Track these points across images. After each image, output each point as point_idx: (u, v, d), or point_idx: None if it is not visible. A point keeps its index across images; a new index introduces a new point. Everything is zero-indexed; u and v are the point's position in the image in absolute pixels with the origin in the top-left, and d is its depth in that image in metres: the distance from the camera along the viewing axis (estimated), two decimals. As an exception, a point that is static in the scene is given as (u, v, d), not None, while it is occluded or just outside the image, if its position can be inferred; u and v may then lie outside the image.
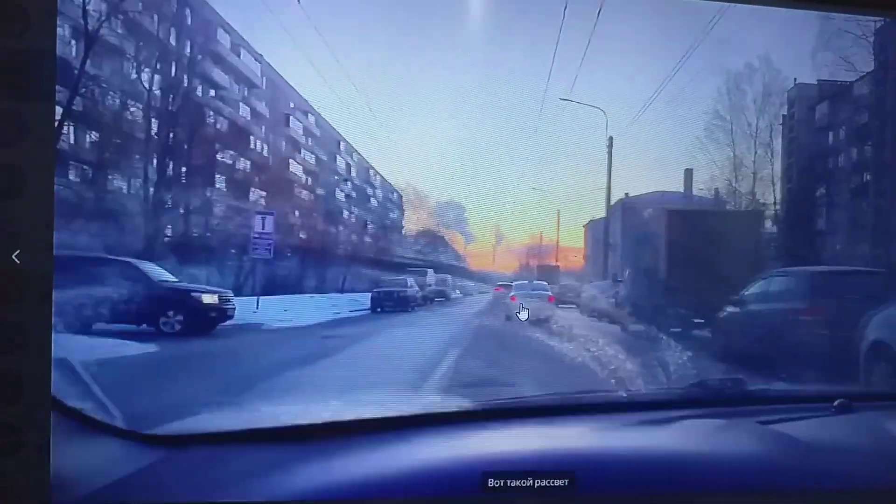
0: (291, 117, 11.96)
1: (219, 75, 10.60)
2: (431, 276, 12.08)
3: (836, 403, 2.21)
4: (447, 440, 2.02)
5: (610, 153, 10.67)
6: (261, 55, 11.01)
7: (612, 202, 11.59)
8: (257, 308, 9.19)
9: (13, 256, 1.38)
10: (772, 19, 8.13)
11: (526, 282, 11.07)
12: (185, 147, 10.00)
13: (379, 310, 10.64)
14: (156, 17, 9.46)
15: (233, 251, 9.64)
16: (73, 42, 8.18)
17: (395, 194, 13.76)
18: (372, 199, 13.71)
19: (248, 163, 11.22)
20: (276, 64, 11.18)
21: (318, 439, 1.99)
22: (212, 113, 10.51)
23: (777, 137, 11.36)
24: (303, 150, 12.36)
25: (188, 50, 9.96)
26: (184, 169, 10.09)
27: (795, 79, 11.45)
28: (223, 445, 2.00)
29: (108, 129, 8.96)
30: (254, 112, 11.37)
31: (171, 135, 9.69)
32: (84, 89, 8.46)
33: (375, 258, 12.23)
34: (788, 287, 7.11)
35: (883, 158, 11.06)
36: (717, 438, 2.13)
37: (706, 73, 10.08)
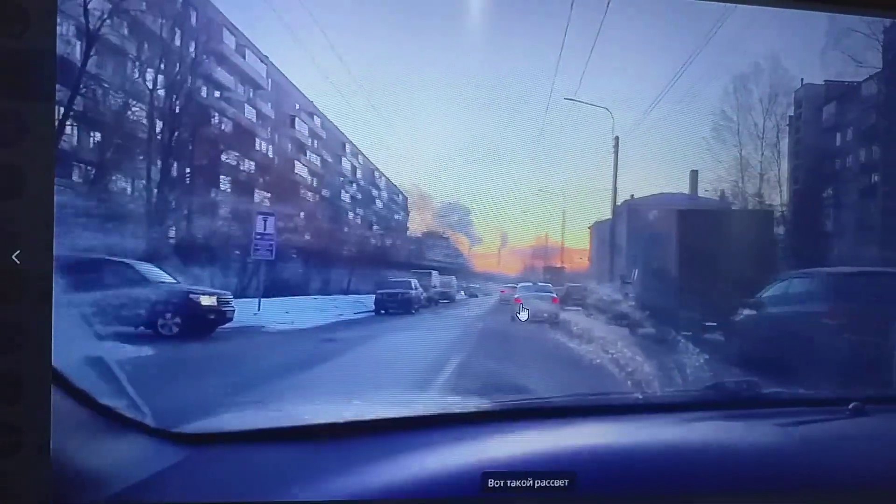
0: (297, 119, 11.99)
1: (224, 76, 10.64)
2: (436, 277, 12.07)
3: (850, 406, 2.20)
4: (448, 441, 2.02)
5: (616, 153, 10.64)
6: (266, 56, 11.06)
7: (618, 203, 11.57)
8: (259, 310, 9.13)
9: (13, 256, 1.38)
10: (779, 19, 8.10)
11: (530, 283, 11.08)
12: (189, 148, 10.03)
13: (382, 312, 10.56)
14: (161, 18, 9.49)
15: (237, 252, 9.61)
16: (77, 42, 8.19)
17: (399, 196, 13.78)
18: (377, 201, 13.73)
19: (252, 164, 11.25)
20: (281, 65, 11.23)
21: (319, 440, 2.00)
22: (216, 114, 10.54)
23: (784, 138, 11.32)
24: (308, 152, 12.38)
25: (193, 51, 10.00)
26: (187, 170, 10.12)
27: (802, 79, 11.41)
28: (244, 444, 2.05)
29: (111, 130, 8.97)
30: (259, 113, 11.40)
31: (175, 136, 9.70)
32: (85, 89, 8.46)
33: (380, 260, 12.23)
34: (810, 289, 6.82)
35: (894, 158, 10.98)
36: (727, 439, 2.12)
37: (713, 73, 10.04)
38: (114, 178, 9.18)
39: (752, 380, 2.59)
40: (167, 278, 7.58)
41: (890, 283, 6.52)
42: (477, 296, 13.24)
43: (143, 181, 9.37)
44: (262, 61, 11.07)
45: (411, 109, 11.05)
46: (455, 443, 2.00)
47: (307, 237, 11.52)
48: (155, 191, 9.34)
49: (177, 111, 9.62)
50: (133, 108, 9.17)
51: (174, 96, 9.53)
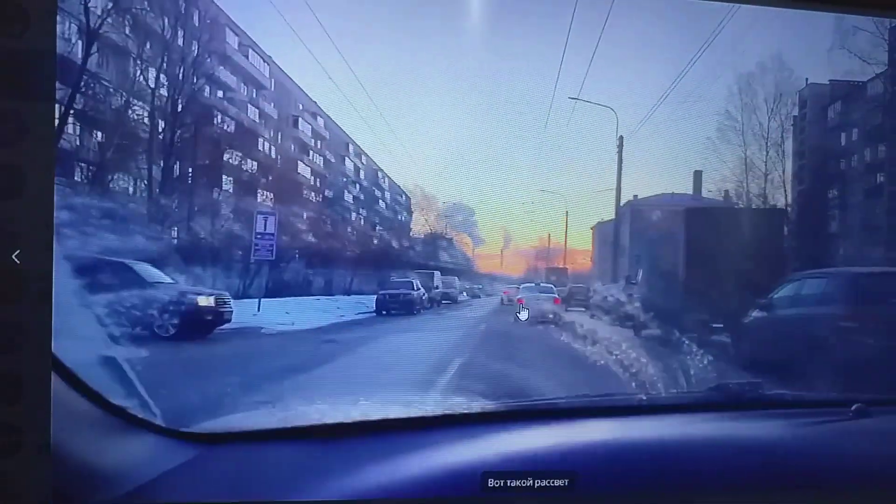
0: (300, 119, 12.00)
1: (227, 77, 10.66)
2: (438, 278, 12.05)
3: (853, 408, 2.19)
4: (448, 441, 2.02)
5: (620, 153, 10.62)
6: (270, 56, 11.08)
7: (622, 204, 11.55)
8: (258, 311, 9.03)
9: (13, 256, 1.38)
10: (782, 19, 8.07)
11: (533, 284, 11.09)
12: (190, 148, 10.03)
13: (384, 313, 10.49)
14: (165, 18, 9.51)
15: (239, 252, 9.57)
16: (78, 42, 8.20)
17: (403, 196, 13.79)
18: (380, 202, 13.74)
19: (255, 164, 11.26)
20: (284, 66, 11.25)
21: (324, 440, 2.01)
22: (219, 114, 10.56)
23: (788, 138, 11.27)
24: (311, 152, 12.40)
25: (197, 51, 10.02)
26: (189, 170, 10.12)
27: (807, 79, 11.38)
28: (251, 444, 2.07)
29: (111, 129, 8.95)
30: (262, 113, 11.42)
31: (176, 135, 9.70)
32: (85, 88, 8.44)
33: (382, 260, 12.22)
34: (826, 290, 6.45)
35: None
36: (728, 440, 2.12)
37: (717, 73, 10.02)
38: (113, 177, 9.14)
39: (754, 381, 2.58)
40: (164, 278, 7.46)
41: None
42: (479, 296, 13.24)
43: (144, 181, 9.35)
44: (265, 61, 11.08)
45: (415, 110, 11.08)
46: (456, 443, 2.00)
47: (309, 237, 11.50)
48: (156, 190, 9.33)
49: (179, 111, 9.62)
50: (134, 108, 9.16)
51: (176, 96, 9.53)
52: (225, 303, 7.72)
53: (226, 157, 10.64)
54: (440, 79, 10.10)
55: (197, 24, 10.05)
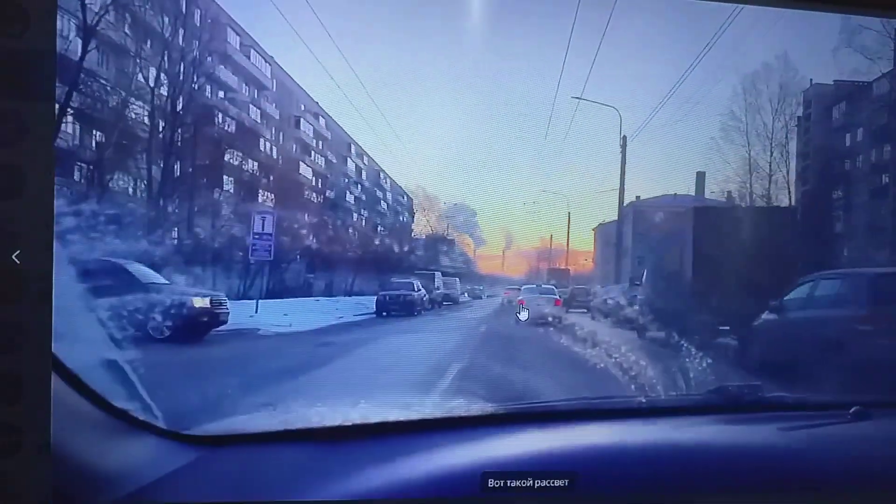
0: (301, 119, 12.01)
1: (229, 77, 10.67)
2: (439, 279, 12.02)
3: (852, 411, 2.19)
4: (449, 442, 2.02)
5: (623, 153, 10.60)
6: (272, 56, 11.09)
7: (625, 205, 11.53)
8: (256, 312, 8.91)
9: (13, 256, 1.38)
10: (786, 19, 8.03)
11: (534, 286, 11.08)
12: (190, 148, 10.01)
13: (384, 314, 10.40)
14: (166, 18, 9.52)
15: (239, 253, 9.52)
16: (77, 40, 8.20)
17: (404, 197, 13.79)
18: (382, 203, 13.74)
19: (255, 164, 11.26)
20: (286, 66, 11.26)
21: (325, 442, 2.02)
22: (219, 113, 10.57)
23: (793, 139, 11.23)
24: (312, 153, 12.40)
25: (199, 52, 10.03)
26: (189, 169, 10.10)
27: (812, 80, 11.35)
28: (252, 445, 2.08)
29: (109, 128, 8.92)
30: (263, 113, 11.43)
31: (176, 135, 9.69)
32: (83, 87, 8.41)
33: (383, 261, 12.20)
34: (843, 291, 6.19)
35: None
36: (728, 442, 2.12)
37: (720, 74, 9.99)
38: (112, 176, 9.08)
39: (753, 383, 2.58)
40: (158, 279, 7.31)
41: None
42: (481, 297, 13.24)
43: (143, 181, 9.31)
44: (266, 61, 11.09)
45: (416, 110, 11.08)
46: (456, 444, 2.00)
47: (310, 238, 11.48)
48: (155, 190, 9.29)
49: (179, 111, 9.60)
50: (134, 107, 9.13)
51: (177, 96, 9.52)
52: (220, 304, 7.57)
53: (227, 157, 10.64)
54: (442, 79, 10.10)
55: (198, 24, 10.06)
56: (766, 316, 6.90)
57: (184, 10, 9.73)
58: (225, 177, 10.68)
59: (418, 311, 10.69)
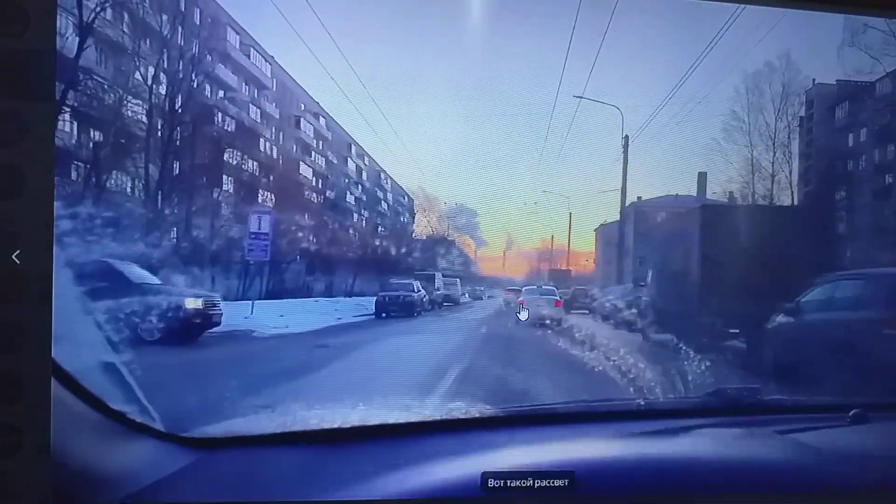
0: (301, 119, 12.01)
1: (229, 76, 10.67)
2: (439, 280, 12.00)
3: (851, 414, 2.19)
4: (449, 443, 2.02)
5: (625, 153, 10.59)
6: (272, 56, 11.09)
7: (626, 205, 11.52)
8: (251, 313, 8.75)
9: (13, 256, 1.38)
10: (788, 19, 8.01)
11: (535, 287, 11.07)
12: (188, 148, 9.99)
13: (384, 315, 10.29)
14: (167, 18, 9.51)
15: (238, 253, 9.47)
16: (77, 39, 8.20)
17: (405, 198, 13.79)
18: (382, 203, 13.75)
19: (255, 164, 11.25)
20: (286, 65, 11.27)
21: (324, 444, 2.02)
22: (219, 113, 10.56)
23: (795, 138, 11.21)
24: (312, 153, 12.41)
25: (199, 51, 10.04)
26: (188, 169, 10.08)
27: (814, 79, 11.33)
28: (251, 448, 2.08)
29: (108, 128, 8.89)
30: (263, 113, 11.43)
31: (174, 135, 9.66)
32: (82, 86, 8.39)
33: (383, 262, 12.19)
34: (866, 292, 5.90)
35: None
36: (728, 444, 2.12)
37: (722, 74, 9.98)
38: (108, 176, 9.00)
39: (753, 386, 2.58)
40: (150, 279, 7.13)
41: None
42: (482, 298, 13.23)
43: (141, 180, 9.27)
44: (266, 61, 11.09)
45: (417, 111, 11.09)
46: (456, 445, 2.01)
47: (309, 238, 11.46)
48: (153, 190, 9.26)
49: (177, 110, 9.58)
50: (132, 107, 9.10)
51: (176, 95, 9.49)
52: (214, 305, 7.40)
53: (226, 157, 10.64)
54: (443, 79, 10.11)
55: (198, 23, 10.06)
56: (780, 318, 6.65)
57: (183, 9, 9.73)
58: (224, 177, 10.66)
59: (418, 312, 10.62)
